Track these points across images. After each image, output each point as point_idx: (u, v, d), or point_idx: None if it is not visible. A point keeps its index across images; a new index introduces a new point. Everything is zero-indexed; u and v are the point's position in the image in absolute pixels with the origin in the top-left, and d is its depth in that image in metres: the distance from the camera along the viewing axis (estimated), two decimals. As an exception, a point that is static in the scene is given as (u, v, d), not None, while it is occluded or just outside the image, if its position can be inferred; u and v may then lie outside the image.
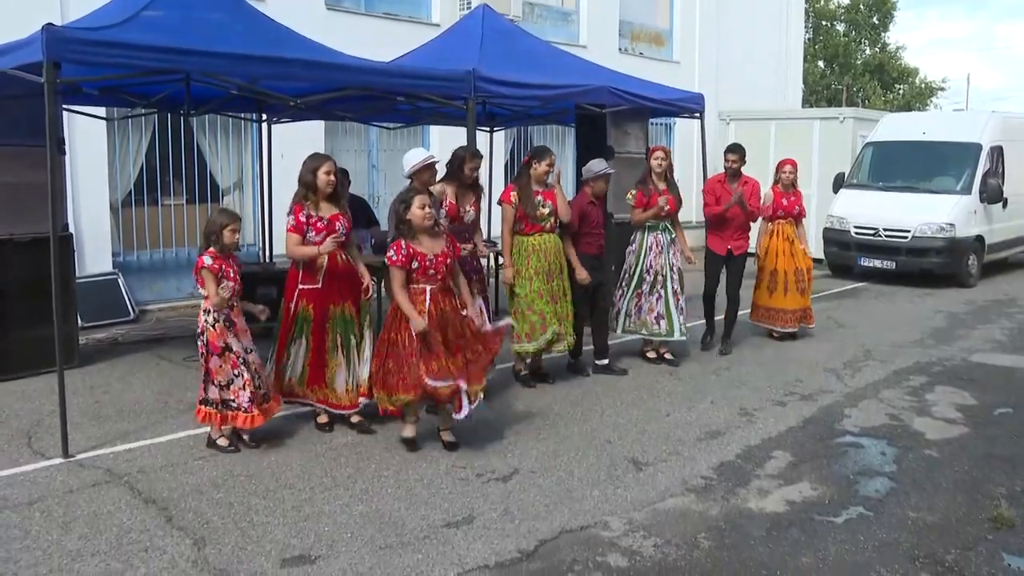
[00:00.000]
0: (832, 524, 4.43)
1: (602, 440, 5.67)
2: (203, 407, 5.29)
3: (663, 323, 7.43)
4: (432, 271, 5.22)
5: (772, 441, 5.71)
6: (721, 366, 7.70)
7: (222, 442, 5.33)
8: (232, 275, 5.25)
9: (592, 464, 5.22)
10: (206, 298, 5.21)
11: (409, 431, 5.40)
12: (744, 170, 8.10)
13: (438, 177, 6.21)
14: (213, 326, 5.19)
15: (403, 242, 5.16)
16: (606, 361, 7.32)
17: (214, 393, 5.23)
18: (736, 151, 8.01)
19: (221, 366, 5.20)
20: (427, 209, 5.20)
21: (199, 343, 5.27)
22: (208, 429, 5.40)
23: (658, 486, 4.89)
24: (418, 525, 4.33)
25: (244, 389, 5.20)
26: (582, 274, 6.83)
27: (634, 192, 7.41)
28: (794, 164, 8.63)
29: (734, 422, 6.11)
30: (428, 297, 5.21)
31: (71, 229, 8.10)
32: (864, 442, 5.74)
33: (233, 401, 5.22)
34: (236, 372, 5.20)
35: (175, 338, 8.69)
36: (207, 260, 5.18)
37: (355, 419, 5.73)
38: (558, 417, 6.16)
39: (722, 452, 5.48)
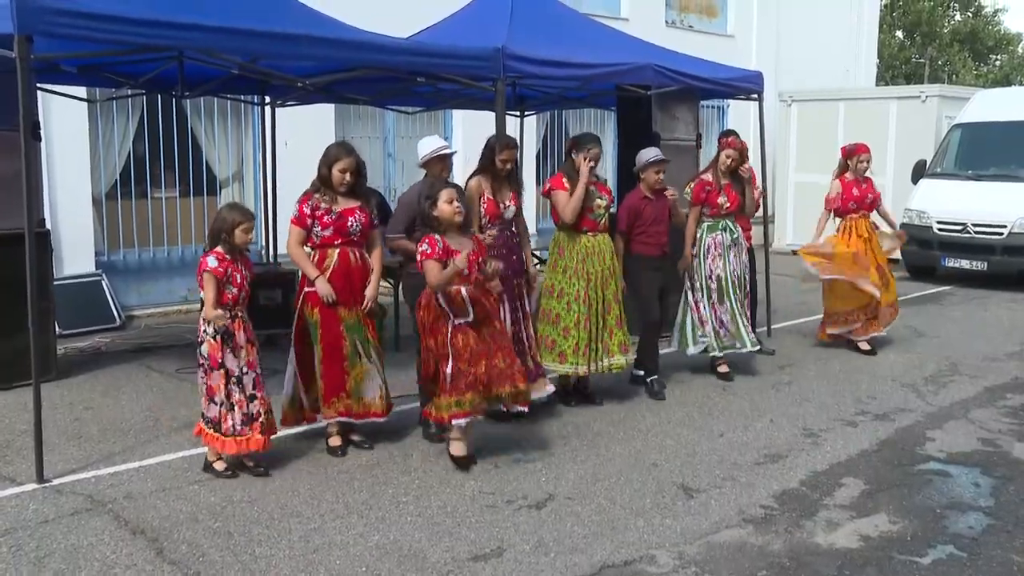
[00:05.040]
0: (917, 565, 4.39)
1: (648, 463, 5.67)
2: (204, 426, 5.33)
3: (741, 331, 7.55)
4: (466, 271, 5.36)
5: (842, 466, 5.67)
6: (781, 380, 7.67)
7: (218, 466, 5.37)
8: (239, 280, 5.27)
9: (637, 490, 5.23)
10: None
11: (461, 447, 5.55)
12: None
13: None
14: (214, 338, 5.22)
15: (437, 236, 5.34)
16: (641, 373, 7.33)
17: (214, 411, 5.27)
18: (734, 134, 8.14)
19: (220, 384, 5.24)
20: (455, 204, 5.36)
21: (198, 355, 5.31)
22: (205, 450, 5.46)
23: (711, 516, 4.89)
24: (441, 558, 4.36)
25: (233, 411, 5.24)
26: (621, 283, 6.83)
27: (692, 186, 7.39)
28: (869, 152, 8.56)
29: (797, 444, 6.08)
30: (467, 298, 5.38)
31: (48, 224, 8.21)
32: (952, 470, 5.67)
33: (221, 425, 5.26)
34: (226, 393, 5.24)
35: (166, 347, 8.80)
36: (211, 261, 5.18)
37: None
38: (598, 436, 6.17)
39: (784, 478, 5.45)
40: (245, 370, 5.30)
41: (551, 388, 6.50)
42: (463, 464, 5.48)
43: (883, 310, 8.64)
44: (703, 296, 7.50)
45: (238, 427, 5.25)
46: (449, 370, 5.34)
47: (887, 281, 8.63)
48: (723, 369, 7.70)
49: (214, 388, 5.24)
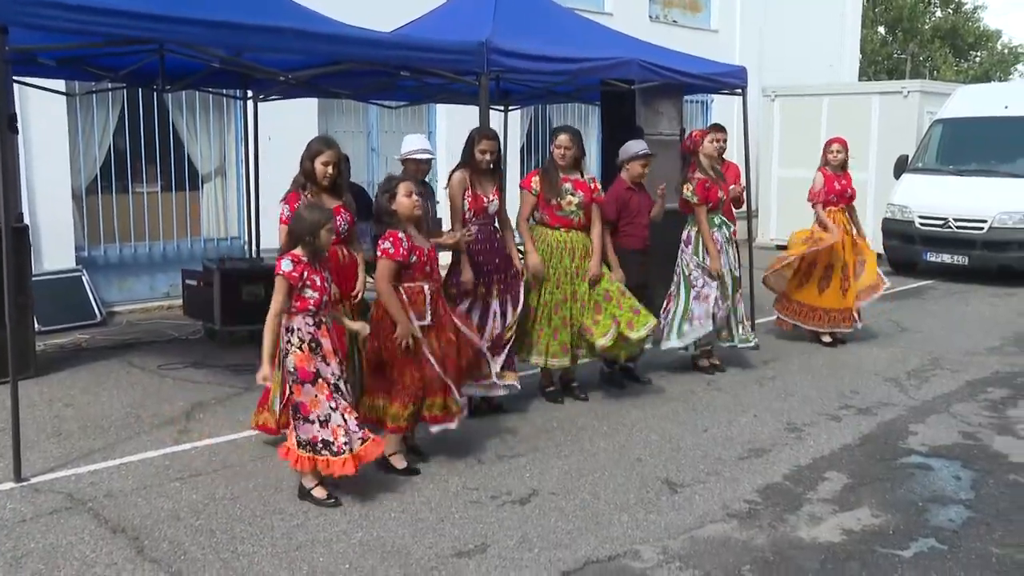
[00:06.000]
0: (899, 558, 4.40)
1: (632, 458, 5.67)
2: (301, 451, 4.81)
3: (738, 328, 7.59)
4: (429, 267, 5.27)
5: (825, 460, 5.68)
6: (765, 375, 7.68)
7: (318, 493, 4.89)
8: (319, 283, 4.83)
9: (621, 485, 5.22)
10: (291, 313, 4.80)
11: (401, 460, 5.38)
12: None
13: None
14: (300, 348, 4.78)
15: (401, 233, 5.19)
16: (633, 365, 7.31)
17: (309, 432, 4.79)
18: (723, 130, 8.15)
19: (316, 397, 4.78)
20: (414, 197, 5.24)
21: (284, 370, 4.87)
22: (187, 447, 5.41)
23: (696, 511, 4.89)
24: (425, 555, 4.34)
25: (344, 424, 4.80)
26: (617, 274, 6.79)
27: (693, 186, 7.37)
28: (843, 142, 8.66)
29: (781, 438, 6.08)
30: (428, 297, 5.26)
31: (27, 220, 8.14)
32: (934, 464, 5.69)
33: (333, 443, 4.77)
34: (332, 404, 4.80)
35: (148, 343, 8.75)
36: (286, 265, 4.76)
37: None
38: (582, 431, 6.16)
39: (768, 473, 5.46)
40: (339, 375, 4.89)
41: (517, 385, 6.46)
42: (412, 471, 5.32)
43: (820, 312, 8.67)
44: (688, 293, 7.47)
45: (355, 439, 4.81)
46: (405, 377, 5.19)
47: (827, 284, 8.61)
48: (715, 361, 7.74)
49: (308, 405, 4.78)
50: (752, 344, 7.76)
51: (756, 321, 9.27)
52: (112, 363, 7.99)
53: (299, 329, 4.79)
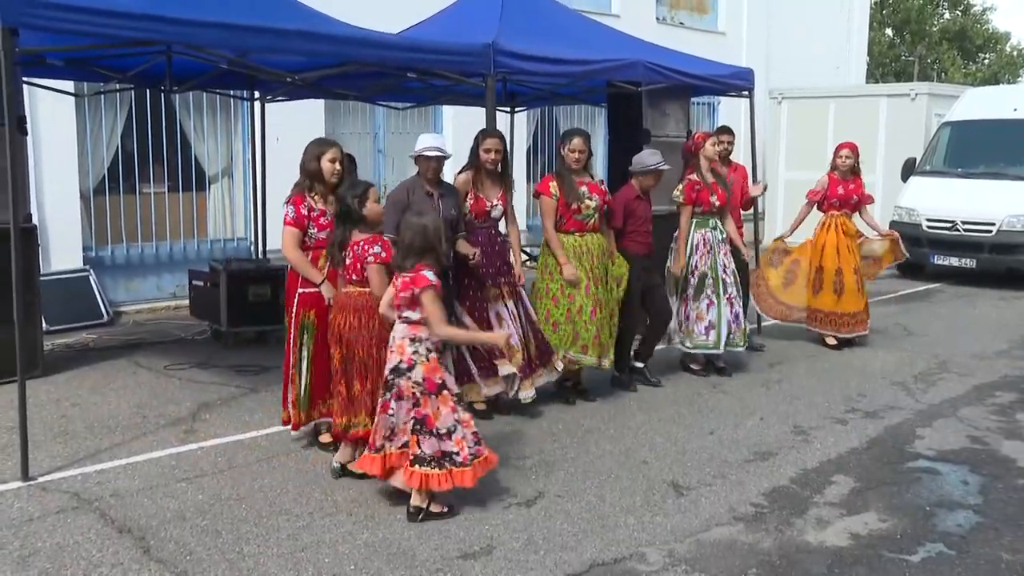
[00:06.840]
0: (906, 563, 4.38)
1: (637, 461, 5.65)
2: (418, 468, 4.62)
3: (712, 334, 7.45)
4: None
5: (832, 464, 5.67)
6: (771, 378, 7.67)
7: (435, 508, 4.74)
8: (443, 293, 4.81)
9: (626, 488, 5.21)
10: (415, 323, 4.65)
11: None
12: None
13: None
14: (427, 357, 4.65)
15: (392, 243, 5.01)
16: (641, 365, 7.31)
17: (432, 446, 4.63)
18: (731, 132, 8.13)
19: (439, 409, 4.64)
20: (382, 203, 5.22)
21: (402, 379, 4.66)
22: (193, 447, 5.41)
23: (702, 514, 4.87)
24: (431, 556, 4.33)
25: (467, 437, 4.69)
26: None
27: (682, 187, 7.40)
28: (853, 148, 8.63)
29: (787, 442, 6.07)
30: None
31: (35, 220, 8.17)
32: (941, 468, 5.68)
33: (457, 454, 4.63)
34: (456, 416, 4.68)
35: (155, 343, 8.76)
36: (433, 276, 4.60)
37: None
38: (588, 434, 6.15)
39: (774, 476, 5.45)
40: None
41: (546, 378, 6.46)
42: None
43: (843, 317, 8.64)
44: (682, 291, 7.51)
45: (468, 455, 4.67)
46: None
47: (841, 288, 8.58)
48: (696, 367, 7.69)
49: (432, 418, 4.63)
50: (741, 347, 7.70)
51: (762, 323, 9.28)
52: (119, 363, 8.00)
53: (426, 339, 4.66)
